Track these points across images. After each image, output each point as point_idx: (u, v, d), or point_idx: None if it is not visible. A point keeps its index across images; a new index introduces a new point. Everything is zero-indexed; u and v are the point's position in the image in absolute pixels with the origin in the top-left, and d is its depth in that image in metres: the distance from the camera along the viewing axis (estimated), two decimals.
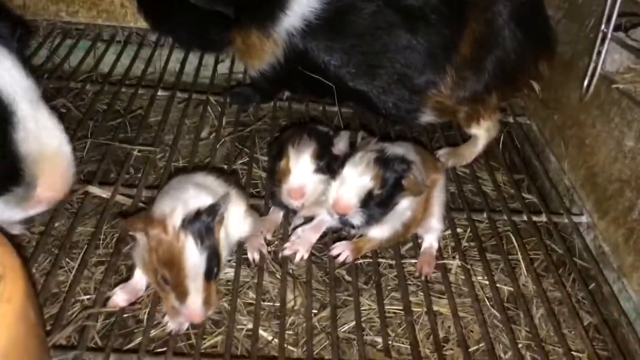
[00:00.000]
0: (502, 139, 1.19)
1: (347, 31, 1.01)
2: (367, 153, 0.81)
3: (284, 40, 1.02)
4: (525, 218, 1.01)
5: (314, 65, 1.04)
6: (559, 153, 1.11)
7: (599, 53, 0.68)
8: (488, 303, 0.92)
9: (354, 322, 0.84)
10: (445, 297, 0.92)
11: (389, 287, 0.95)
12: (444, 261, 0.95)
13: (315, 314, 0.89)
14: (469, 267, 0.95)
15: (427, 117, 1.08)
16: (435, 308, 0.92)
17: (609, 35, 0.67)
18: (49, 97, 1.15)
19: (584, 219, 1.00)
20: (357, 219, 0.81)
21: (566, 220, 1.01)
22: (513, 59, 0.99)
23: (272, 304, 0.88)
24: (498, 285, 0.97)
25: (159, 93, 1.18)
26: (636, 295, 0.85)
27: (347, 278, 0.95)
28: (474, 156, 1.12)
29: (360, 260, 0.96)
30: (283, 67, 1.06)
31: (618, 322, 0.87)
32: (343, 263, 0.92)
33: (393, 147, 0.85)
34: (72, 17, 1.32)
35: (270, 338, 0.83)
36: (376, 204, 0.81)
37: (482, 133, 1.08)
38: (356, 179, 0.79)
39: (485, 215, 1.02)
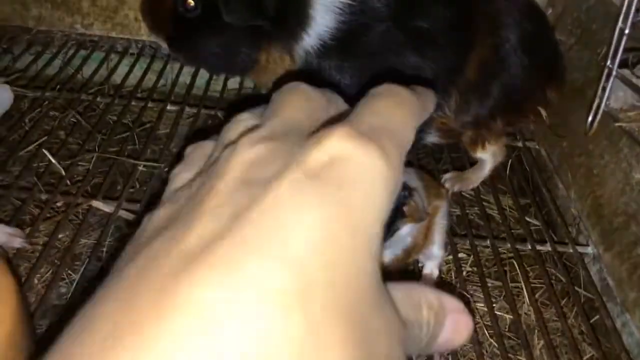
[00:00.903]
0: (510, 162, 1.18)
1: (358, 51, 1.01)
2: None
3: (302, 58, 1.02)
4: (529, 246, 1.00)
5: (325, 85, 1.03)
6: (566, 181, 1.09)
7: (604, 89, 0.67)
8: (487, 332, 0.91)
9: None
10: None
11: None
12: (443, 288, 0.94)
13: None
14: (469, 295, 0.94)
15: (433, 137, 1.08)
16: None
17: (614, 72, 0.66)
18: (59, 109, 1.18)
19: (589, 249, 0.99)
20: None
21: (571, 250, 0.99)
22: (519, 85, 0.99)
23: None
24: (500, 313, 0.96)
25: (169, 107, 1.19)
26: (638, 331, 0.84)
27: None
28: (480, 180, 1.11)
29: None
30: None
31: (620, 358, 0.86)
32: None
33: None
34: (87, 29, 1.33)
35: None
36: None
37: (488, 157, 1.07)
38: None
39: (489, 242, 1.01)
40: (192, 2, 0.98)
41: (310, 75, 1.02)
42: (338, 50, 1.01)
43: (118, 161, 1.05)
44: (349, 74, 1.03)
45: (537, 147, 1.23)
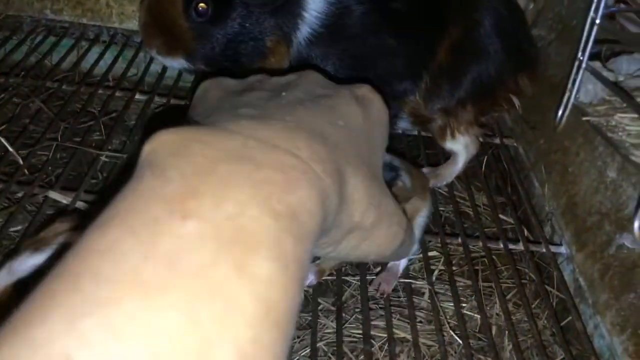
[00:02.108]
0: (485, 160, 1.15)
1: (341, 35, 0.97)
2: None
3: (294, 49, 0.97)
4: (501, 245, 0.97)
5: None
6: (542, 179, 1.07)
7: (574, 82, 0.64)
8: (454, 333, 0.88)
9: (322, 344, 0.82)
10: (416, 322, 0.89)
11: (357, 310, 0.92)
12: (410, 283, 0.91)
13: None
14: (437, 293, 0.92)
15: (405, 123, 1.05)
16: (402, 335, 0.89)
17: (584, 65, 0.63)
18: (23, 96, 1.14)
19: (563, 249, 0.96)
20: None
21: (544, 250, 0.97)
22: (490, 70, 0.96)
23: None
24: (471, 314, 0.93)
25: (137, 96, 1.15)
26: (609, 334, 0.81)
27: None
28: (454, 175, 1.08)
29: (330, 278, 0.93)
30: None
31: None
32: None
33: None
34: (57, 15, 1.29)
35: None
36: None
37: (460, 149, 1.04)
38: None
39: (460, 240, 0.98)
40: (204, 4, 0.90)
41: None
42: (325, 37, 0.96)
43: (81, 151, 1.01)
44: (331, 61, 0.98)
45: (514, 144, 1.20)
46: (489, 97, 0.99)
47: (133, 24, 1.29)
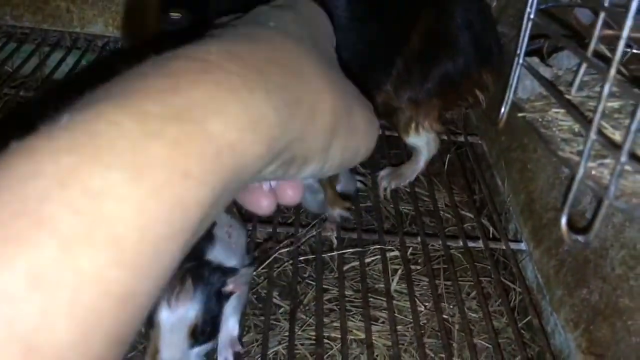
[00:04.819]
0: (448, 158, 1.15)
1: (337, 23, 0.92)
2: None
3: None
4: (461, 243, 0.97)
5: None
6: (503, 176, 1.07)
7: (513, 78, 0.64)
8: (410, 333, 0.88)
9: (281, 347, 0.82)
10: (378, 324, 0.89)
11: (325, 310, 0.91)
12: (370, 283, 0.91)
13: (242, 336, 0.86)
14: (401, 293, 0.92)
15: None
16: (362, 336, 0.88)
17: (521, 61, 0.63)
18: None
19: (523, 246, 0.96)
20: None
21: (504, 247, 0.96)
22: (460, 62, 0.94)
23: None
24: (433, 313, 0.93)
25: None
26: (563, 330, 0.81)
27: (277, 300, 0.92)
28: (416, 174, 1.07)
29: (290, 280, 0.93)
30: None
31: (547, 358, 0.83)
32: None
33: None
34: (17, 21, 1.28)
35: None
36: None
37: (421, 146, 1.03)
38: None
39: (419, 239, 0.98)
40: (177, 13, 0.79)
41: None
42: (341, 33, 0.91)
43: None
44: (343, 55, 0.93)
45: (479, 142, 1.20)
46: (455, 89, 0.97)
47: (95, 28, 1.28)
